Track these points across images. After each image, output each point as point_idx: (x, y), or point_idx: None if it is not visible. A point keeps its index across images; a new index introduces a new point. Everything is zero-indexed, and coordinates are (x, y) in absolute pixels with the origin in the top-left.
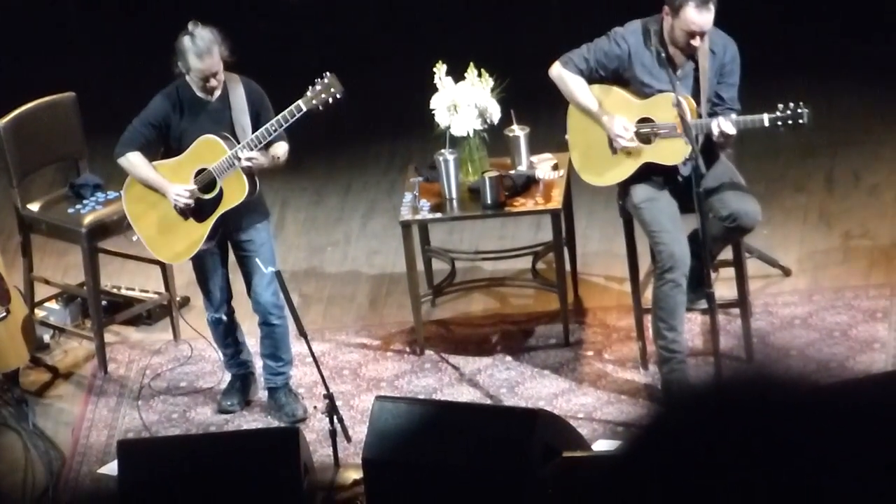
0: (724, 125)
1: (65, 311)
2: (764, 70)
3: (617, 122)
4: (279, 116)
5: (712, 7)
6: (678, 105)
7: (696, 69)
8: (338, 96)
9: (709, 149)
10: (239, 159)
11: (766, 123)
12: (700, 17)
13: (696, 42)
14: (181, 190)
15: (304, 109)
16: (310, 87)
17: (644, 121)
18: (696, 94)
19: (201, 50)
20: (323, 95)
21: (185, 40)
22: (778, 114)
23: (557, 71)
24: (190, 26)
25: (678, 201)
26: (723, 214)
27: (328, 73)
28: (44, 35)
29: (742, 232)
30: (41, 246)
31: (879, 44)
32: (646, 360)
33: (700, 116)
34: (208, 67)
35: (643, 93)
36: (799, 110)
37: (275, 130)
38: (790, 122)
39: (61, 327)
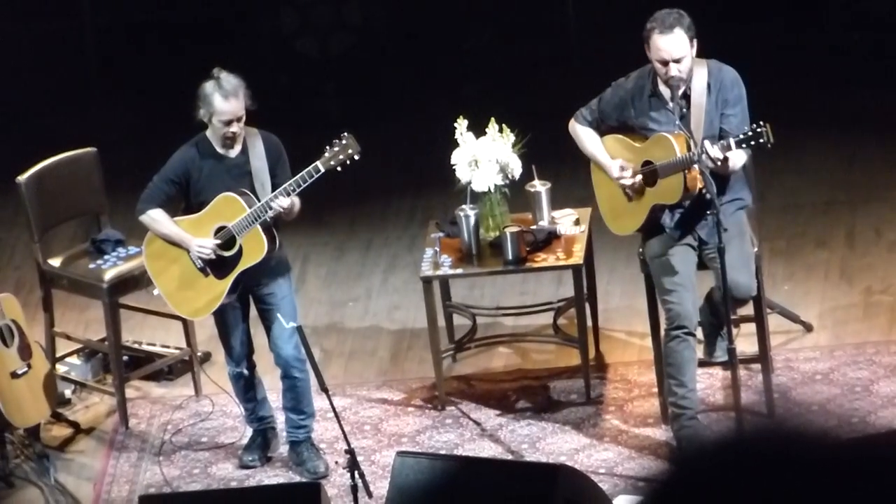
0: (710, 150)
1: (86, 366)
2: (784, 124)
3: (615, 165)
4: (297, 177)
5: (679, 31)
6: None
7: (690, 105)
8: (355, 157)
9: (719, 191)
10: (267, 212)
11: (734, 147)
12: (665, 43)
13: (672, 71)
14: (203, 242)
15: (322, 170)
16: (327, 148)
17: (647, 164)
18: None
19: (227, 92)
20: (340, 156)
21: (210, 84)
22: (741, 136)
23: (571, 125)
24: (215, 72)
25: (695, 256)
26: (718, 283)
27: (346, 134)
28: (65, 90)
29: (736, 302)
30: (62, 301)
31: None
32: (667, 415)
33: (689, 150)
34: (233, 111)
35: (646, 136)
36: (758, 129)
37: (293, 191)
38: (752, 142)
39: (82, 382)
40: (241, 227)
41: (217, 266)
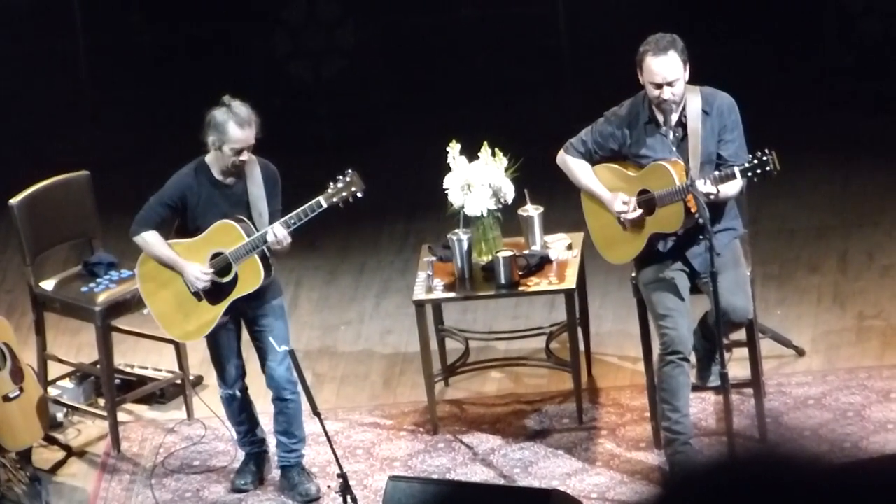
0: (704, 186)
1: (78, 390)
2: (776, 148)
3: (617, 200)
4: (298, 210)
5: (672, 54)
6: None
7: (687, 132)
8: (359, 195)
9: (713, 219)
10: (265, 242)
11: (738, 176)
12: (659, 65)
13: (665, 94)
14: (199, 272)
15: (325, 206)
16: (331, 184)
17: (643, 192)
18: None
19: (242, 120)
20: (344, 193)
21: (223, 111)
22: (746, 165)
23: (561, 158)
24: (225, 99)
25: (688, 281)
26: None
27: (350, 171)
28: (57, 113)
29: (732, 326)
30: (55, 324)
31: (893, 123)
32: (659, 440)
33: (688, 178)
34: (246, 139)
35: (641, 165)
36: (764, 157)
37: (293, 223)
38: (759, 170)
39: (74, 405)
40: (237, 256)
41: (211, 292)
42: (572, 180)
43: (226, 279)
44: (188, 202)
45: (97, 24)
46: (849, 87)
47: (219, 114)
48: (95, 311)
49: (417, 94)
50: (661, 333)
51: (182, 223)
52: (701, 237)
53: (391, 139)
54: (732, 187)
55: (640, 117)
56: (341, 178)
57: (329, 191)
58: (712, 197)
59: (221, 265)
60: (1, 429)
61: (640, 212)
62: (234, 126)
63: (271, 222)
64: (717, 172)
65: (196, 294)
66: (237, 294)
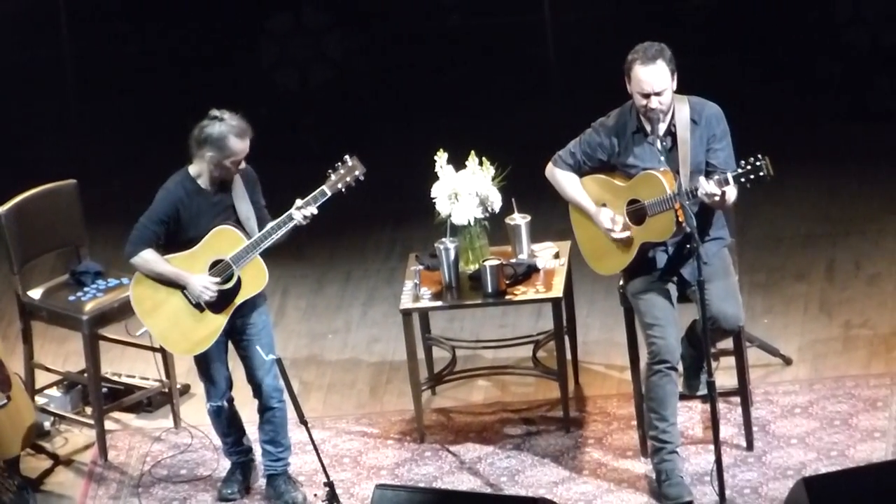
0: (709, 186)
1: (65, 398)
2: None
3: (604, 217)
4: (308, 198)
5: (660, 63)
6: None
7: (676, 141)
8: (360, 178)
9: (702, 229)
10: (263, 240)
11: (731, 182)
12: (647, 74)
13: (653, 104)
14: (207, 283)
15: (329, 194)
16: (332, 172)
17: (633, 202)
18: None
19: (242, 129)
20: (347, 178)
21: (220, 126)
22: (739, 171)
23: (550, 171)
24: (215, 113)
25: (676, 290)
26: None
27: (349, 157)
28: (44, 122)
29: (723, 333)
30: (42, 333)
31: (880, 133)
32: (646, 448)
33: (679, 188)
34: (246, 148)
35: (629, 175)
36: (758, 163)
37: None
38: (752, 176)
39: (62, 414)
40: (239, 258)
41: (215, 300)
42: (560, 193)
43: (228, 285)
44: (181, 216)
45: (83, 33)
46: (836, 97)
47: (214, 129)
48: (82, 320)
49: (405, 103)
50: (649, 343)
51: (172, 237)
52: (689, 246)
53: (378, 148)
54: (733, 192)
55: (628, 126)
56: (341, 164)
57: (332, 178)
58: (716, 198)
59: (223, 271)
60: None
61: (627, 233)
62: (235, 139)
63: (259, 215)
64: (716, 177)
65: (198, 305)
66: (242, 297)
